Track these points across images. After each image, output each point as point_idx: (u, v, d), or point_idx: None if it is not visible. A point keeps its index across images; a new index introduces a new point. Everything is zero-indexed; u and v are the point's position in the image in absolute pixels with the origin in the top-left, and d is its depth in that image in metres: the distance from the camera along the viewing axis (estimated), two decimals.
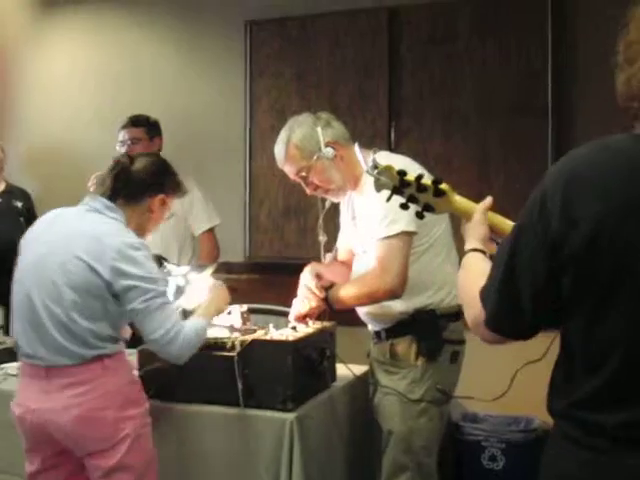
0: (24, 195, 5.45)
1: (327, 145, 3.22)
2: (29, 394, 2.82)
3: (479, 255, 2.04)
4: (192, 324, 2.88)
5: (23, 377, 2.88)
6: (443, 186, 2.16)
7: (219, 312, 3.14)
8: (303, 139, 3.25)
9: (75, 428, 2.74)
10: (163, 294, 2.83)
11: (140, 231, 2.98)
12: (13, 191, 5.40)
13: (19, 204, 5.34)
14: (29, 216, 5.20)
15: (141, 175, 2.98)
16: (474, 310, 1.86)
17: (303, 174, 3.28)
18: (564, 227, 1.64)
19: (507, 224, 2.08)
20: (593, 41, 4.58)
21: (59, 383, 2.75)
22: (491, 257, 2.02)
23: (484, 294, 1.82)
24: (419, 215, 2.20)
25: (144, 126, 4.76)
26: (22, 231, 5.11)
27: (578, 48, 4.64)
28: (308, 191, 3.36)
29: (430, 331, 3.20)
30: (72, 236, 2.82)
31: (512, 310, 1.75)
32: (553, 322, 1.76)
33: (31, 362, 2.81)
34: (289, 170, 3.33)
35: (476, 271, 1.97)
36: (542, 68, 4.65)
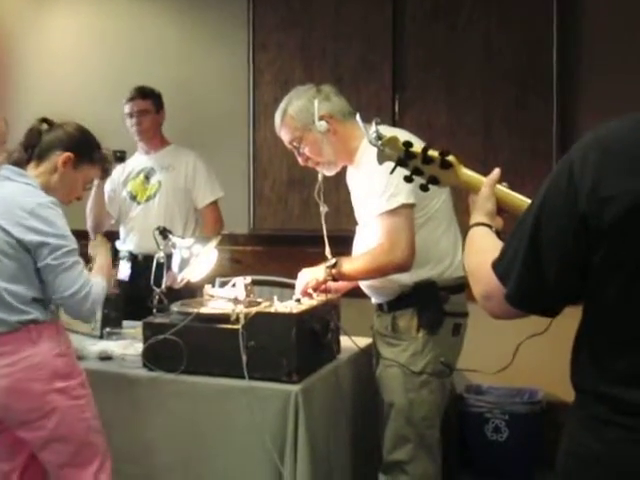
0: None
1: (321, 118, 3.25)
2: None
3: (485, 229, 2.01)
4: (97, 282, 2.92)
5: None
6: (451, 158, 2.12)
7: (109, 267, 3.22)
8: (298, 110, 3.29)
9: (4, 398, 2.77)
10: (74, 253, 2.85)
11: (55, 193, 2.97)
12: None
13: None
14: None
15: (50, 134, 3.00)
16: (483, 285, 1.83)
17: (295, 144, 3.34)
18: (595, 204, 1.60)
19: (514, 197, 2.05)
20: (600, 13, 4.56)
21: None
22: (497, 232, 2.01)
23: (501, 268, 1.77)
24: (423, 188, 2.17)
25: (152, 98, 4.73)
26: None
27: (584, 20, 4.61)
28: (300, 161, 3.41)
29: (431, 304, 3.20)
30: None
31: (537, 286, 1.71)
32: (576, 298, 1.73)
33: None
34: (283, 138, 3.39)
35: (484, 245, 1.95)
36: (547, 40, 4.62)
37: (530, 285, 1.72)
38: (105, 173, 3.22)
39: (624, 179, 1.60)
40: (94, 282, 2.90)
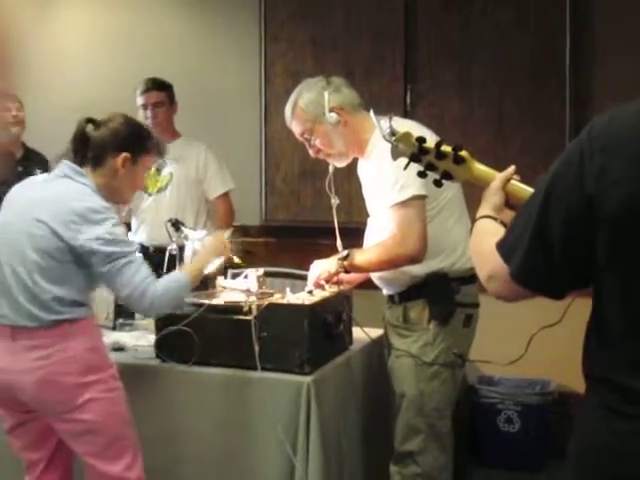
0: (42, 162, 5.18)
1: (332, 110, 3.25)
2: None
3: (490, 220, 2.02)
4: (165, 278, 2.92)
5: None
6: (463, 153, 2.12)
7: (207, 263, 3.16)
8: (309, 102, 3.30)
9: (37, 391, 2.77)
10: (127, 254, 2.81)
11: (116, 196, 2.98)
12: (31, 157, 5.18)
13: (38, 172, 5.10)
14: None
15: (102, 134, 2.93)
16: (487, 265, 1.84)
17: (306, 136, 3.34)
18: (602, 187, 1.61)
19: (527, 191, 2.06)
20: (612, 4, 4.54)
21: (24, 345, 2.78)
22: (503, 224, 2.01)
23: (505, 248, 1.78)
24: (437, 183, 2.18)
25: (166, 90, 4.74)
26: None
27: (598, 10, 4.60)
28: (311, 153, 3.40)
29: (442, 295, 3.20)
30: (37, 201, 2.84)
31: (542, 264, 1.71)
32: (582, 281, 1.73)
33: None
34: (294, 130, 3.39)
35: (489, 231, 1.96)
36: (560, 32, 4.61)
37: (536, 263, 1.73)
38: (161, 155, 3.19)
39: (631, 162, 1.61)
40: (161, 279, 2.89)
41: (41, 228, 2.77)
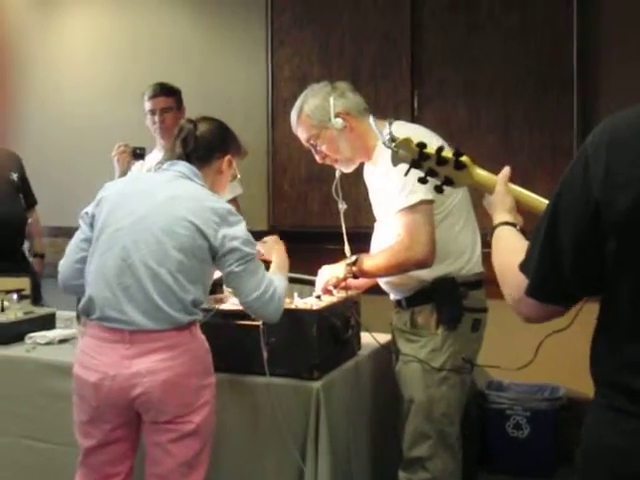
0: (17, 162, 5.15)
1: (337, 116, 3.26)
2: (106, 360, 2.74)
3: (510, 228, 2.01)
4: (279, 282, 2.92)
5: (95, 342, 2.79)
6: (464, 158, 2.12)
7: (287, 266, 3.17)
8: (314, 108, 3.30)
9: (160, 393, 2.71)
10: (255, 257, 2.85)
11: (218, 193, 3.03)
12: (4, 160, 5.09)
13: (15, 176, 5.05)
14: (24, 187, 5.10)
15: (207, 137, 3.00)
16: (513, 289, 1.82)
17: (312, 142, 3.35)
18: (608, 192, 1.61)
19: (527, 195, 2.06)
20: (619, 9, 4.53)
21: (145, 347, 2.71)
22: (521, 230, 2.01)
23: (526, 267, 1.77)
24: (438, 189, 2.17)
25: (174, 95, 4.73)
26: (21, 208, 5.06)
27: (604, 15, 4.59)
28: (318, 159, 3.41)
29: (450, 299, 3.19)
30: (176, 199, 2.82)
31: (553, 275, 1.71)
32: (593, 289, 1.73)
33: (113, 326, 2.74)
34: (300, 136, 3.40)
35: (510, 247, 1.95)
36: (567, 36, 4.60)
37: (547, 274, 1.72)
38: (243, 159, 3.24)
39: (634, 167, 1.61)
40: (276, 281, 2.89)
41: (186, 227, 2.75)
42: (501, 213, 2.06)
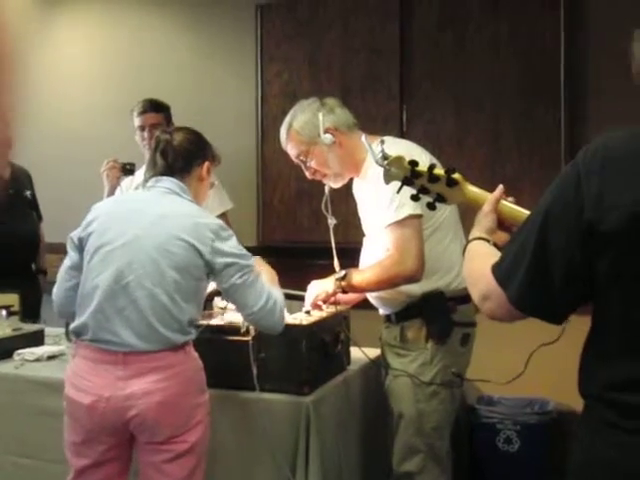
0: (28, 179, 5.16)
1: (326, 131, 3.27)
2: (100, 381, 2.71)
3: (482, 242, 2.03)
4: (277, 292, 2.92)
5: (87, 363, 2.77)
6: (456, 176, 2.13)
7: (276, 280, 3.16)
8: (304, 125, 3.32)
9: (155, 414, 2.68)
10: (252, 267, 2.85)
11: (200, 203, 3.03)
12: (19, 177, 5.09)
13: (28, 193, 5.07)
14: (34, 203, 5.11)
15: (185, 145, 2.98)
16: (482, 286, 1.85)
17: (302, 158, 3.37)
18: (600, 212, 1.63)
19: (519, 212, 2.06)
20: (607, 21, 4.55)
21: (139, 368, 2.69)
22: (496, 246, 2.01)
23: (500, 272, 1.79)
24: (431, 206, 2.18)
25: (163, 111, 4.73)
26: (34, 224, 5.08)
27: (591, 28, 4.60)
28: (307, 175, 3.43)
29: (439, 314, 3.21)
30: (167, 217, 2.81)
31: (542, 291, 1.72)
32: (581, 303, 1.74)
33: (106, 348, 2.72)
34: (290, 152, 3.42)
35: (481, 253, 1.97)
36: (555, 51, 4.61)
37: (536, 290, 1.74)
38: (219, 163, 3.23)
39: (625, 189, 1.62)
40: (273, 291, 2.89)
41: (180, 246, 2.74)
42: (477, 230, 2.07)
